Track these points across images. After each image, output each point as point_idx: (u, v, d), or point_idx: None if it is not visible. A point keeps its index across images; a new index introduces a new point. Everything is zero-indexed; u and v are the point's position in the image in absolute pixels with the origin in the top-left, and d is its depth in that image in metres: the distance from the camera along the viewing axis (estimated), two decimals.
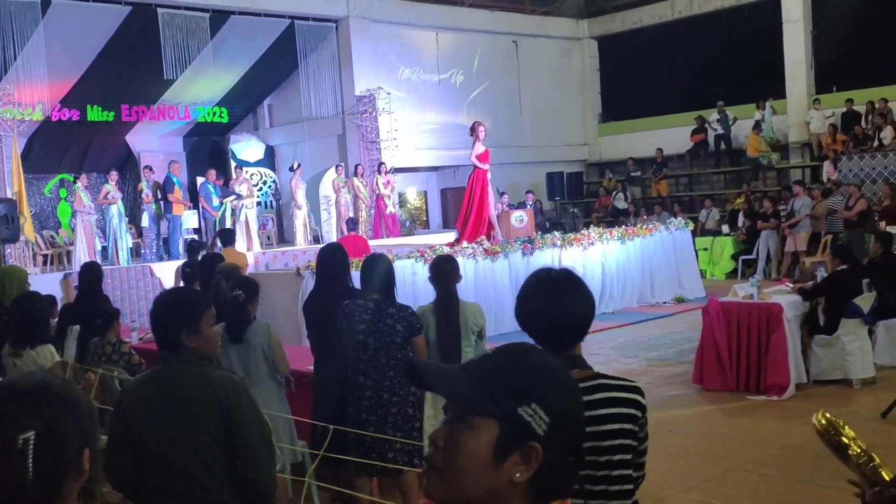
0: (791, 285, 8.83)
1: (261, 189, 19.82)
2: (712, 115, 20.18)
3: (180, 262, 10.21)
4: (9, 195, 12.81)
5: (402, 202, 20.74)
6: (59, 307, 7.38)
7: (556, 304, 2.37)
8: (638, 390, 2.43)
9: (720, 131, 20.09)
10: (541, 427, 1.35)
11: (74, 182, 15.27)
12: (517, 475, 1.35)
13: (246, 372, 4.93)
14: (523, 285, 2.48)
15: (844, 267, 8.28)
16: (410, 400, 4.99)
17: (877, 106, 17.78)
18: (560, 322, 2.37)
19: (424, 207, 22.25)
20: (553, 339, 2.36)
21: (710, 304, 8.52)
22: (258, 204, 18.16)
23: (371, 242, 13.53)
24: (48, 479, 1.43)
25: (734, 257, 17.07)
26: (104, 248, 15.31)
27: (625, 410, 2.37)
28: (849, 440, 2.22)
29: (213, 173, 16.35)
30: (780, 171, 19.57)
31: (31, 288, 6.82)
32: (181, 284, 8.64)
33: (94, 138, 18.64)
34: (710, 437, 7.05)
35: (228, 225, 16.36)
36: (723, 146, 20.30)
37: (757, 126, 19.08)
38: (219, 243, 9.87)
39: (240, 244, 16.05)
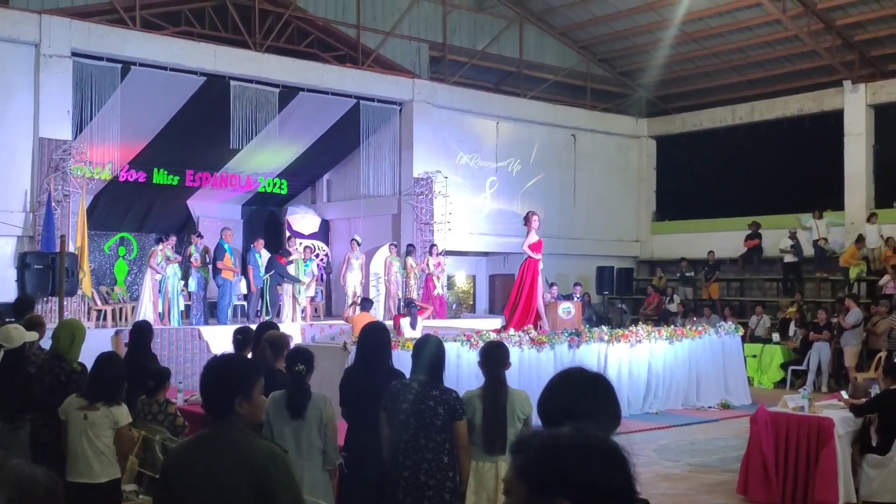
0: (845, 398, 8.62)
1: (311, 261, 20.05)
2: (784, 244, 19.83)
3: (233, 328, 10.30)
4: (71, 249, 13.16)
5: (451, 285, 20.82)
6: None
7: (581, 403, 2.24)
8: None
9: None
10: None
11: (158, 243, 15.44)
12: None
13: (297, 444, 4.89)
14: (550, 380, 2.38)
15: None
16: (448, 485, 4.94)
17: None
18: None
19: (472, 291, 22.29)
20: None
21: (759, 413, 8.35)
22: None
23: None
24: None
25: (784, 366, 16.75)
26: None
27: None
28: None
29: (261, 242, 16.56)
30: (834, 283, 19.27)
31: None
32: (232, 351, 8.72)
33: (157, 200, 19.06)
34: None
35: (284, 296, 16.61)
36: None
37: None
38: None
39: (287, 313, 16.26)
